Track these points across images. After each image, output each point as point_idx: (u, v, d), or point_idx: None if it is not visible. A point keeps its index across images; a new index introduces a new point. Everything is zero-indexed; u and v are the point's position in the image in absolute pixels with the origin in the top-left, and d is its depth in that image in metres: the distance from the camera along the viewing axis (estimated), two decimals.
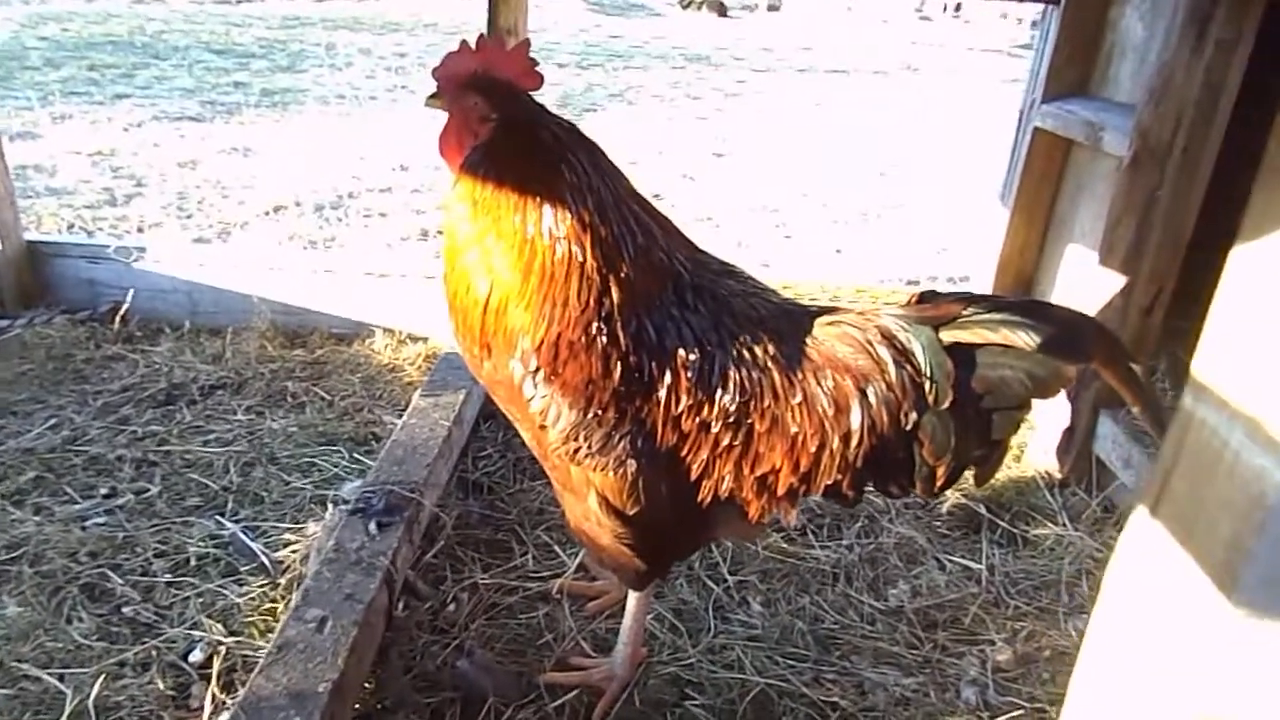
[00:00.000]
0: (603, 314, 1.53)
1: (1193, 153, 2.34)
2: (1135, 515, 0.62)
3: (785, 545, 2.36)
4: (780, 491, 1.63)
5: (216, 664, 1.83)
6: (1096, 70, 3.00)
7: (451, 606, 2.06)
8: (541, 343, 1.54)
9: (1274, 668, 0.50)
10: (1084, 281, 2.77)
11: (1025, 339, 1.46)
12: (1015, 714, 1.89)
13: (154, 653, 1.88)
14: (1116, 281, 2.52)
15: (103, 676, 1.79)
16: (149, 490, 2.42)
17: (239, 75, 8.96)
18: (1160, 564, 0.56)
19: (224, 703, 1.75)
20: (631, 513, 1.62)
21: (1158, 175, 2.39)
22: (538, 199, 1.52)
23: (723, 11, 19.10)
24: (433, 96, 1.61)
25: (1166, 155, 2.36)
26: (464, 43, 1.59)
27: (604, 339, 1.52)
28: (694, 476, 1.61)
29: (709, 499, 1.63)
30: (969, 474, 1.62)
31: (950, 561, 2.35)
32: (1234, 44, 2.23)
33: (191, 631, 1.94)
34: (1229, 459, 0.51)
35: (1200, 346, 0.55)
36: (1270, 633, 0.50)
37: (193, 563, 2.16)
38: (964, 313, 1.53)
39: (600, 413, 1.54)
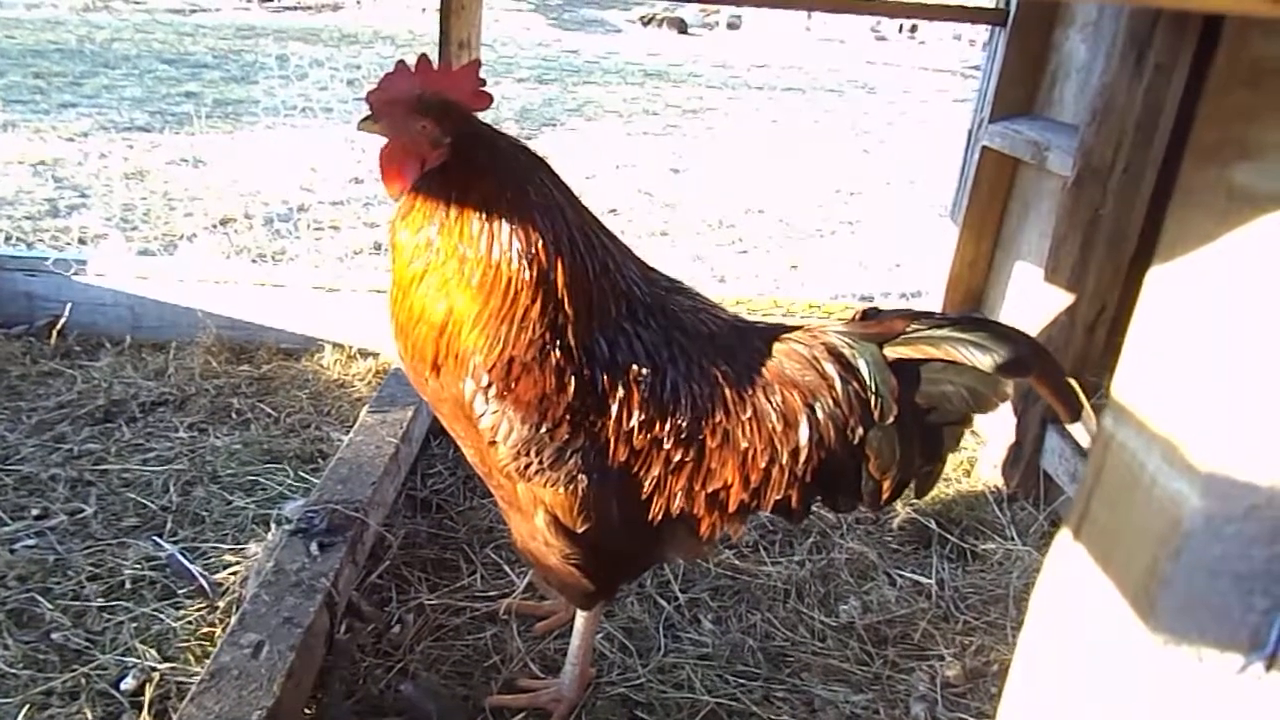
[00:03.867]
0: (560, 331, 1.51)
1: (1134, 173, 2.39)
2: (1059, 538, 0.61)
3: (737, 562, 2.35)
4: (731, 508, 1.62)
5: (149, 692, 1.76)
6: (1042, 91, 3.06)
7: (396, 628, 2.02)
8: (495, 361, 1.51)
9: (1192, 695, 0.50)
10: (1030, 298, 2.81)
11: (967, 355, 1.47)
12: None
13: (83, 680, 1.81)
14: (1061, 298, 2.56)
15: (27, 706, 1.72)
16: (83, 511, 2.34)
17: (190, 85, 8.81)
18: (1082, 588, 0.56)
19: None
20: (581, 530, 1.60)
21: (1100, 194, 2.44)
22: (505, 221, 1.49)
23: (682, 29, 19.22)
24: (366, 120, 1.53)
25: (1109, 175, 2.41)
26: (402, 64, 1.54)
27: (558, 353, 1.51)
28: (645, 493, 1.59)
29: (660, 517, 1.61)
30: (910, 486, 1.64)
31: (901, 577, 2.36)
32: (1172, 67, 2.28)
33: (124, 658, 1.87)
34: (1146, 482, 0.51)
35: (1119, 367, 0.55)
36: (1187, 659, 0.50)
37: (127, 586, 2.09)
38: (908, 329, 1.55)
39: (553, 428, 1.52)
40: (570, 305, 1.51)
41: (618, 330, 1.56)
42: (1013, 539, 2.52)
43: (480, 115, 1.58)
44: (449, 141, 1.52)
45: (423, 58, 1.55)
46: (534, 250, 1.49)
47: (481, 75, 1.58)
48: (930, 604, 2.26)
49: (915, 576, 2.36)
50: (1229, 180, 0.46)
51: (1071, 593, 0.57)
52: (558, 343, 1.51)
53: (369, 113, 1.53)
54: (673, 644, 2.07)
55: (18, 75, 8.36)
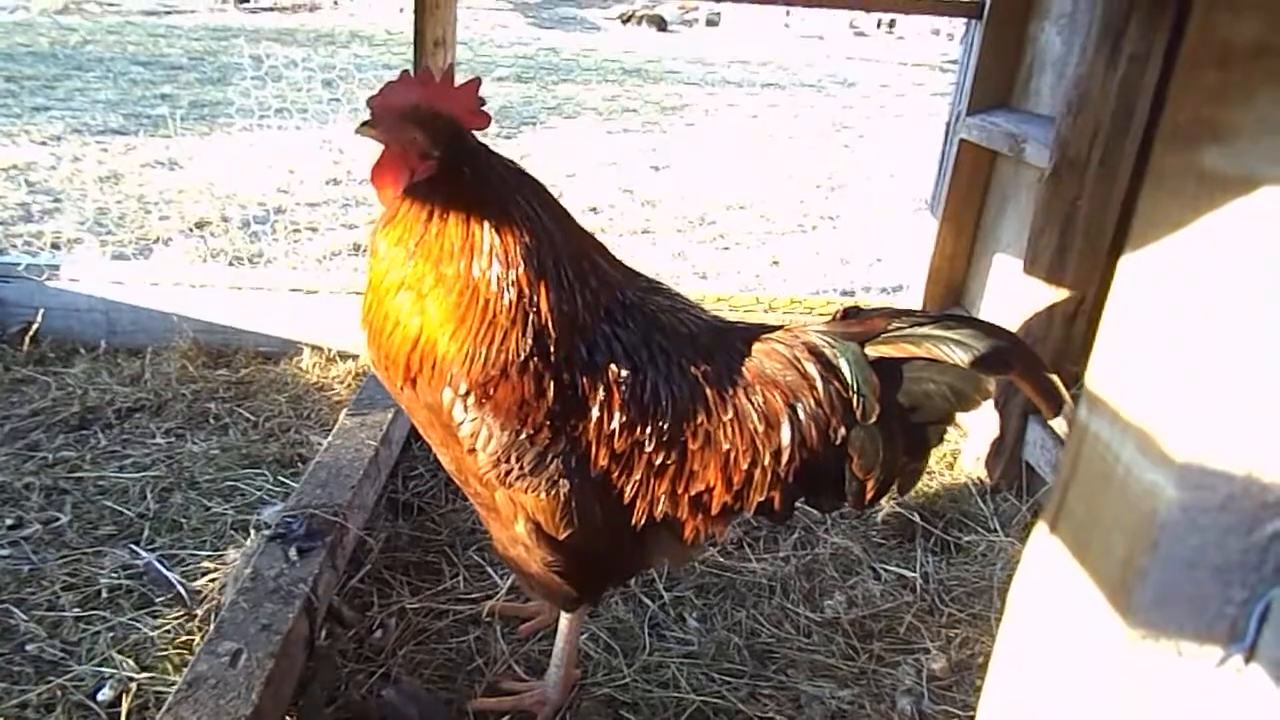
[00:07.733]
0: (541, 348, 1.49)
1: (1110, 164, 2.40)
2: (1036, 531, 0.61)
3: (722, 559, 2.34)
4: (714, 510, 1.61)
5: (126, 702, 1.74)
6: (1018, 83, 3.07)
7: (378, 633, 1.99)
8: (475, 374, 1.49)
9: (1169, 688, 0.49)
10: (1010, 290, 2.82)
11: (948, 353, 1.47)
12: None
13: (59, 692, 1.78)
14: (1041, 290, 2.57)
15: (1, 719, 1.69)
16: (58, 519, 2.30)
17: (165, 87, 8.72)
18: (1060, 581, 0.55)
19: None
20: (563, 537, 1.58)
21: (1077, 186, 2.44)
22: (486, 243, 1.46)
23: (661, 26, 19.20)
24: (365, 124, 1.50)
25: (1085, 166, 2.42)
26: (405, 73, 1.53)
27: (537, 361, 1.48)
28: (628, 498, 1.58)
29: (643, 521, 1.60)
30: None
31: (885, 571, 2.35)
32: (1145, 58, 2.29)
33: (101, 668, 1.85)
34: (1121, 474, 0.50)
35: (1093, 357, 0.54)
36: (1165, 652, 0.49)
37: (104, 595, 2.06)
38: (889, 328, 1.54)
39: (533, 433, 1.50)
40: (554, 330, 1.48)
41: (596, 332, 1.54)
42: (996, 531, 2.52)
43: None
44: (438, 155, 1.49)
45: (425, 69, 1.52)
46: (514, 275, 1.46)
47: (481, 94, 1.54)
48: (915, 597, 2.26)
49: (900, 570, 2.36)
50: (1199, 164, 0.45)
51: (1049, 586, 0.57)
52: (537, 351, 1.49)
53: (369, 118, 1.50)
54: (658, 643, 2.06)
55: None
